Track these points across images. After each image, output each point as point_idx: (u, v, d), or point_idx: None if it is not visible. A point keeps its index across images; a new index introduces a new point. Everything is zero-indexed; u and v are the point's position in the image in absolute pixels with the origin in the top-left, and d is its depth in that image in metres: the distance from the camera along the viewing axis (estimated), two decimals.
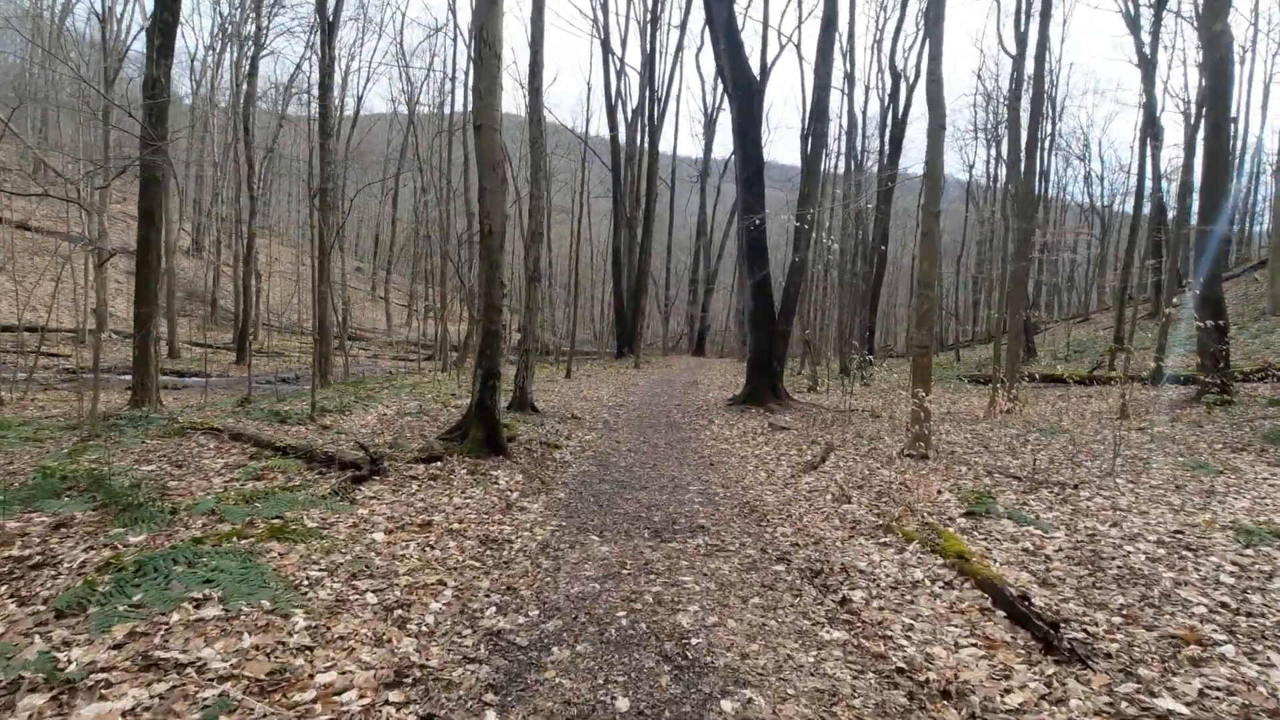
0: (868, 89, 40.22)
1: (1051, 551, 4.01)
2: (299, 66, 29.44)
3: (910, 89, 23.00)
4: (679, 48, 29.48)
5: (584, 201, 21.46)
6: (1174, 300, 7.90)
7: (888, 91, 23.17)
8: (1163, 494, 5.38)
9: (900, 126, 22.22)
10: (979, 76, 41.35)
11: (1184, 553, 3.91)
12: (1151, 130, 17.25)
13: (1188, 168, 13.45)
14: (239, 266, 26.93)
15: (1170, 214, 17.92)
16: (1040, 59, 10.90)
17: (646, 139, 27.18)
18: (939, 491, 5.62)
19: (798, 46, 38.11)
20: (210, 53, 29.45)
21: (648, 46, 26.73)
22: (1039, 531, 4.38)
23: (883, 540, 4.23)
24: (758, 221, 10.38)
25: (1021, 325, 12.06)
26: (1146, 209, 19.71)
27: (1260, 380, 12.03)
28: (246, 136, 25.44)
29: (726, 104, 36.65)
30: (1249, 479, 5.94)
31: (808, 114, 12.28)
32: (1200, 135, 11.74)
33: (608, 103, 25.58)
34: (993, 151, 31.90)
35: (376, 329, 37.19)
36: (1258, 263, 23.40)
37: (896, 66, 23.51)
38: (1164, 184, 18.88)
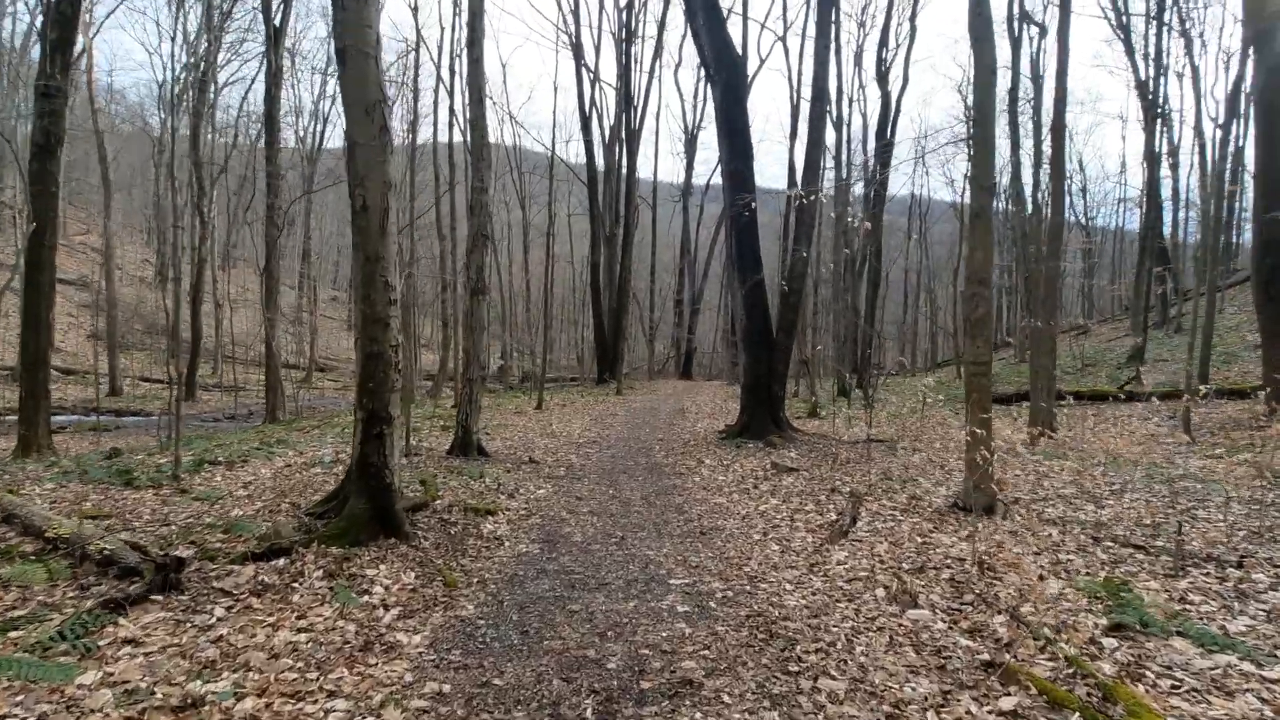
0: (850, 101, 39.15)
1: None
2: (252, 84, 27.77)
3: (898, 100, 21.86)
4: (656, 56, 28.27)
5: (554, 213, 19.78)
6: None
7: (871, 105, 21.97)
8: None
9: (888, 138, 20.93)
10: (960, 91, 40.58)
11: None
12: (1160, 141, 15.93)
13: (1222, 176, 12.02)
14: (188, 293, 25.00)
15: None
16: (1062, 73, 9.43)
17: (624, 151, 25.72)
18: (1040, 576, 3.80)
19: (783, 39, 37.14)
20: (179, 82, 27.65)
21: (623, 58, 25.43)
22: (1251, 667, 2.58)
23: (1001, 702, 2.39)
24: (746, 213, 8.65)
25: (1054, 336, 10.40)
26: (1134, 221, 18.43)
27: None
28: (195, 155, 23.68)
29: (705, 124, 35.44)
30: None
31: (811, 85, 10.66)
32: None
33: (581, 114, 24.14)
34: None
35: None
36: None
37: (884, 77, 22.37)
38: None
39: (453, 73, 20.08)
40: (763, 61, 23.27)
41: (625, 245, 24.95)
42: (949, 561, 4.14)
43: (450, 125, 21.69)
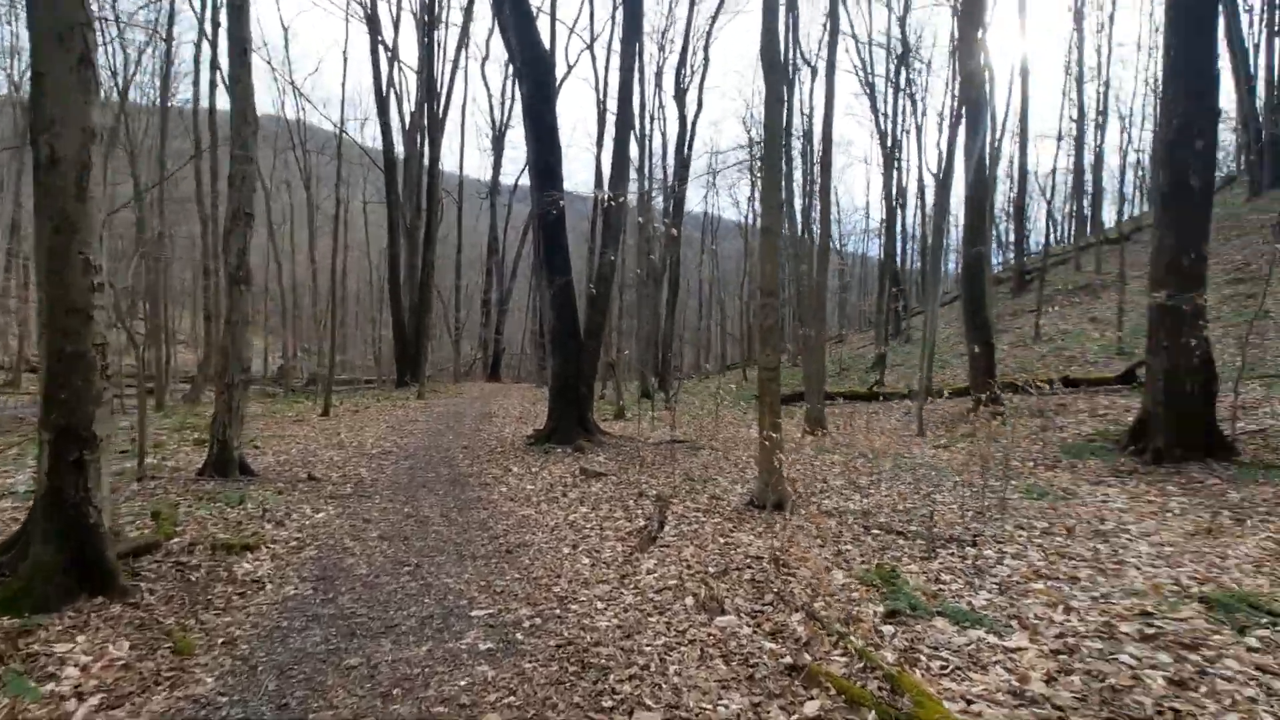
0: (651, 119, 41.17)
1: (1040, 680, 2.58)
2: None
3: (693, 122, 23.44)
4: (461, 46, 26.87)
5: (342, 196, 17.76)
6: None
7: (670, 125, 23.36)
8: (1062, 545, 4.47)
9: (686, 155, 22.37)
10: (745, 123, 45.50)
11: (1188, 658, 2.73)
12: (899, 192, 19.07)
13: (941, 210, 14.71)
14: None
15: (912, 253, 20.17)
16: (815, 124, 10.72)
17: (426, 140, 24.02)
18: (827, 568, 4.11)
19: (590, 47, 37.84)
20: None
21: (425, 38, 23.73)
22: (995, 639, 2.98)
23: (806, 708, 2.45)
24: (554, 210, 8.43)
25: (824, 345, 11.78)
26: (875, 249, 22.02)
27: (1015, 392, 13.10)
28: None
29: (514, 123, 34.62)
30: (1105, 509, 5.43)
31: (616, 97, 10.77)
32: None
33: (378, 94, 22.02)
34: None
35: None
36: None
37: (682, 97, 23.81)
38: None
39: (215, 25, 17.02)
40: (570, 68, 23.43)
41: (428, 239, 23.31)
42: (749, 561, 4.31)
43: (213, 86, 18.40)
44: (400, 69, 29.99)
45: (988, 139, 13.18)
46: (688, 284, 35.04)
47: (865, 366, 22.05)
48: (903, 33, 21.74)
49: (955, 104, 15.27)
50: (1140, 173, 28.79)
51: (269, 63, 23.72)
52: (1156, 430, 6.93)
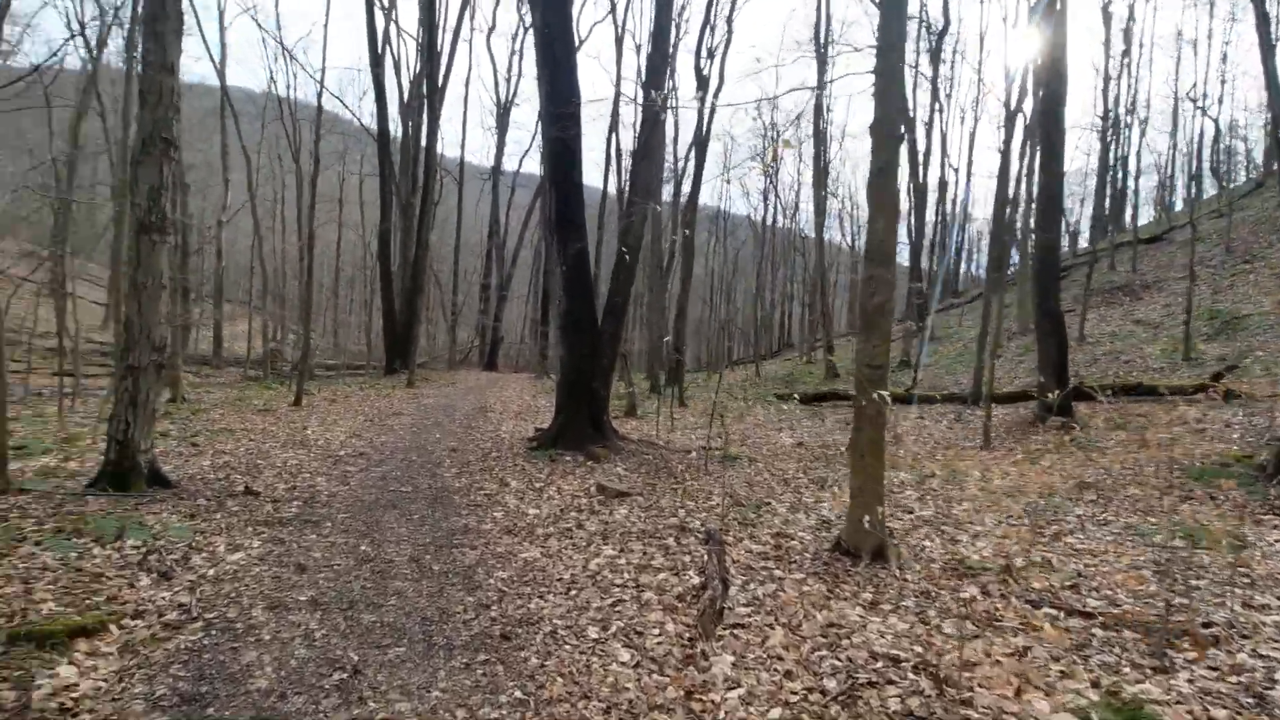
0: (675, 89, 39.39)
1: None
2: None
3: (716, 94, 21.65)
4: (464, 9, 24.98)
5: (318, 156, 16.06)
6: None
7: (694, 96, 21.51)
8: None
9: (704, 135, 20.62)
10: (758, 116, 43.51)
11: None
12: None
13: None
14: None
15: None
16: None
17: (426, 109, 22.22)
18: (1018, 689, 2.53)
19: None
20: None
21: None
22: None
23: None
24: (571, 129, 6.62)
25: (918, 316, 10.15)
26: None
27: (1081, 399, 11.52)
28: None
29: (519, 100, 32.70)
30: None
31: (651, 40, 9.03)
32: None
33: (372, 52, 20.12)
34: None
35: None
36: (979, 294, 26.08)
37: (701, 71, 22.05)
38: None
39: None
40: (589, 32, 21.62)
41: (423, 216, 21.56)
42: (883, 667, 2.74)
43: None
44: (399, 33, 28.06)
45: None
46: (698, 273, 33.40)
47: (891, 366, 20.60)
48: (945, 6, 19.97)
49: (1010, 92, 13.60)
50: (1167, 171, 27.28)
51: (254, 17, 21.81)
52: None
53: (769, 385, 20.70)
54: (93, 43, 18.62)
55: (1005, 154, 13.68)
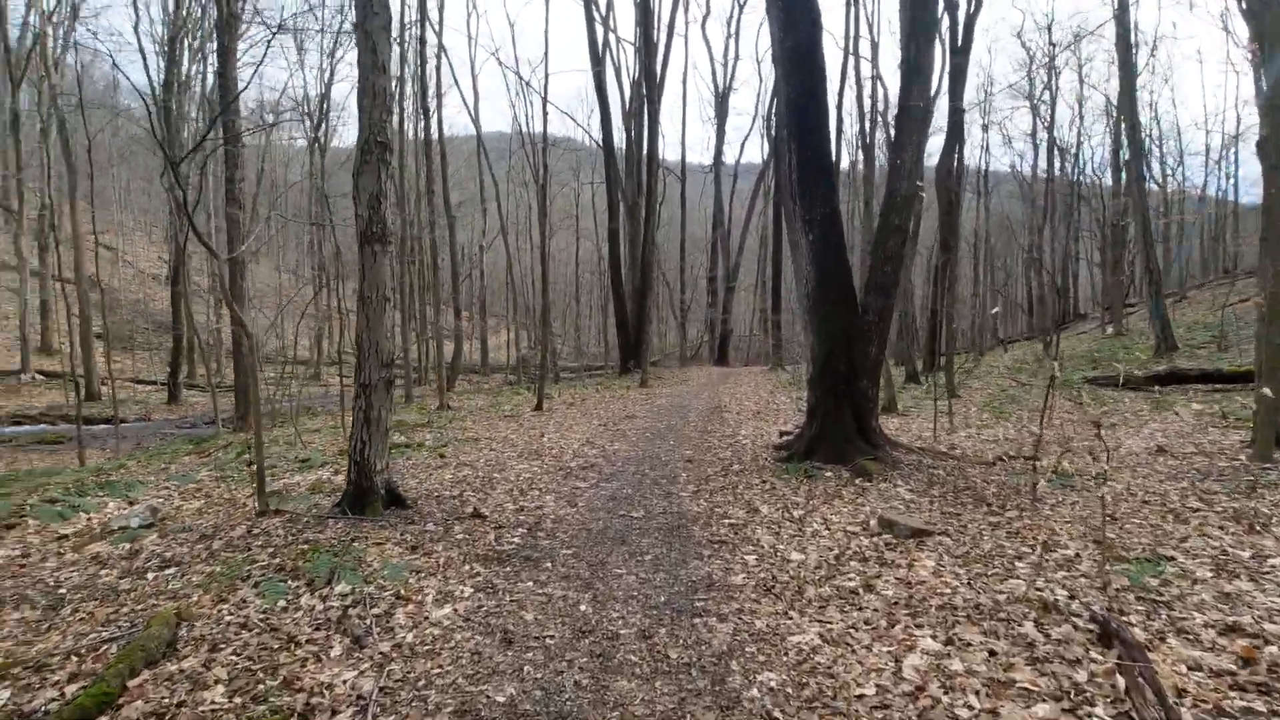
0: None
1: None
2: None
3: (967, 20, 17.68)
4: (676, 5, 24.54)
5: (545, 163, 16.54)
6: None
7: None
8: None
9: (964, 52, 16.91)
10: (1019, 36, 34.22)
11: None
12: None
13: None
14: (167, 280, 22.80)
15: None
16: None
17: (645, 110, 22.19)
18: None
19: None
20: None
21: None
22: None
23: None
24: (809, 99, 5.10)
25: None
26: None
27: None
28: (164, 131, 21.24)
29: (736, 85, 31.09)
30: None
31: None
32: None
33: (593, 58, 20.64)
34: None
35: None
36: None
37: None
38: None
39: None
40: None
41: (648, 216, 21.56)
42: None
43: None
44: (617, 40, 28.93)
45: None
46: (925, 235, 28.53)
47: (1204, 337, 15.07)
48: None
49: None
50: None
51: (496, 57, 24.08)
52: None
53: (1072, 364, 16.42)
54: None
55: None
